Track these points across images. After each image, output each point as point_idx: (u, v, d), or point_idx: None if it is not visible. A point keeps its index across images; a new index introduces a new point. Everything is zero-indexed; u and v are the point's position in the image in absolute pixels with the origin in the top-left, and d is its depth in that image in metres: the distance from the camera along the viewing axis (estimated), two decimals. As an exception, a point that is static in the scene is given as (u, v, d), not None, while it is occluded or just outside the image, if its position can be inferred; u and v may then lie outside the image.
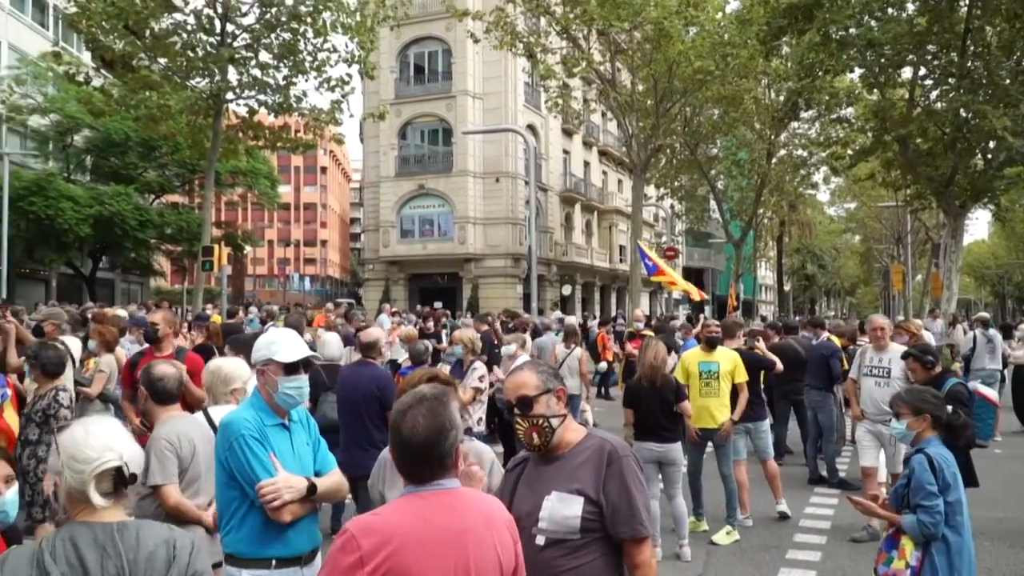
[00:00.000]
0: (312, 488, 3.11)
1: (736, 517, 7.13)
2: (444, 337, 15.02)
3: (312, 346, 9.01)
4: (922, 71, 20.86)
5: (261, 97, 21.40)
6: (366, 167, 42.75)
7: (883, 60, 19.93)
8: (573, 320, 16.87)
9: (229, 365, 4.39)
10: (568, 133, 43.98)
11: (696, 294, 16.96)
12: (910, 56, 19.90)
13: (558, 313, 23.94)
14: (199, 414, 4.20)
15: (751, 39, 21.64)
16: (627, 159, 30.00)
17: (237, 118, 22.85)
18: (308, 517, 3.15)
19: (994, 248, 71.20)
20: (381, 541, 1.96)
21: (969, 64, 18.99)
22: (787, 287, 59.09)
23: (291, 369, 3.17)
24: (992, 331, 14.06)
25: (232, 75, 21.03)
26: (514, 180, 38.87)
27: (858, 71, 21.42)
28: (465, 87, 38.09)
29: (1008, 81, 18.65)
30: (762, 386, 8.46)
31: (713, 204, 38.65)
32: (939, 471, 3.81)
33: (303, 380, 3.22)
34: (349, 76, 21.55)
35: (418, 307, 28.03)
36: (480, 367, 7.91)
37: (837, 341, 10.21)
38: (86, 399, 6.89)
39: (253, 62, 20.96)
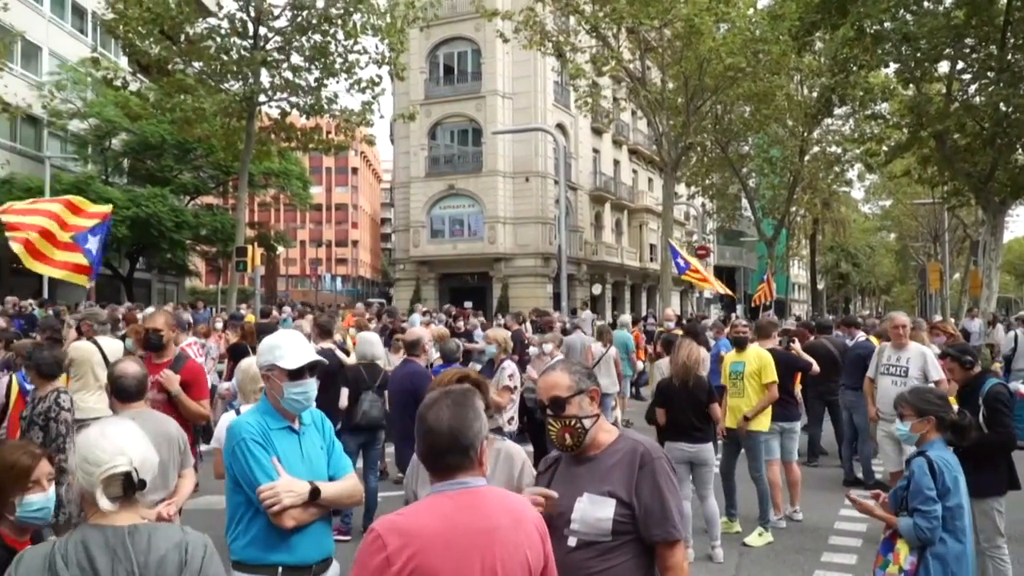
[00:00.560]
0: (315, 492, 3.00)
1: (769, 519, 7.06)
2: (477, 337, 15.04)
3: (343, 347, 9.10)
4: (960, 65, 20.44)
5: (293, 99, 21.62)
6: (396, 168, 43.01)
7: (919, 54, 19.56)
8: (586, 315, 16.81)
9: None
10: (598, 132, 43.84)
11: (724, 289, 16.63)
12: (947, 50, 19.51)
13: (589, 313, 23.90)
14: (159, 415, 4.51)
15: (783, 35, 21.38)
16: (657, 157, 29.81)
17: (270, 120, 23.11)
18: (318, 525, 3.05)
19: (1035, 245, 69.72)
20: (407, 540, 1.96)
21: (1009, 57, 18.57)
22: (820, 286, 58.32)
23: (296, 374, 3.10)
24: (1033, 330, 13.78)
25: (264, 78, 21.29)
26: (544, 179, 38.84)
27: (893, 66, 21.02)
28: (494, 87, 38.15)
29: (1050, 74, 18.24)
30: (798, 387, 8.36)
31: (745, 202, 38.28)
32: (939, 475, 3.73)
33: (308, 384, 3.15)
34: (379, 77, 21.73)
35: (446, 306, 28.16)
36: (510, 366, 7.92)
37: (875, 341, 10.05)
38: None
39: (285, 65, 21.18)
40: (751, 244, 55.21)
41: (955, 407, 4.19)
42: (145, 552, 2.05)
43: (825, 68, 24.03)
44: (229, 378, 11.06)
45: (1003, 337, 15.43)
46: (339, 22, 20.42)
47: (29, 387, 6.04)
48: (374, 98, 21.65)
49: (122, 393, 4.28)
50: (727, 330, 13.03)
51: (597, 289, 40.35)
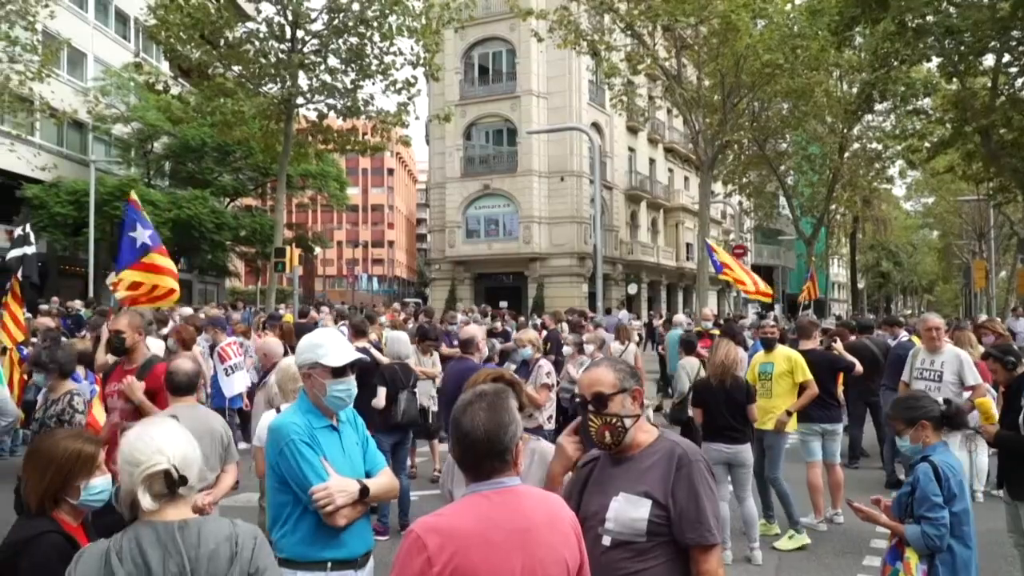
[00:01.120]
0: (364, 491, 3.08)
1: (798, 521, 6.90)
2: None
3: (378, 346, 9.17)
4: (1006, 58, 19.98)
5: (330, 101, 21.87)
6: (432, 168, 43.23)
7: (963, 48, 19.17)
8: (623, 315, 16.68)
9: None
10: (633, 131, 43.64)
11: (762, 294, 16.26)
12: (993, 43, 19.08)
13: (625, 312, 23.81)
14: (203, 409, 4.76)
15: (822, 30, 21.08)
16: (693, 156, 29.57)
17: (307, 122, 23.39)
18: (361, 520, 3.14)
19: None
20: (446, 541, 1.97)
21: (1057, 50, 18.15)
22: (861, 285, 57.40)
23: (339, 372, 3.13)
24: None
25: (302, 80, 21.55)
26: (579, 179, 38.76)
27: (936, 60, 20.66)
28: (529, 87, 38.16)
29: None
30: (840, 388, 8.21)
31: (783, 200, 37.80)
32: (945, 480, 3.65)
33: (351, 382, 3.19)
34: (415, 79, 21.87)
35: (481, 305, 28.22)
36: (546, 364, 7.91)
37: (916, 341, 9.85)
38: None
39: (322, 67, 21.43)
40: (789, 243, 54.55)
41: (997, 405, 4.10)
42: (195, 546, 2.10)
43: (865, 63, 23.64)
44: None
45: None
46: (375, 24, 20.61)
47: (77, 384, 6.19)
48: (410, 99, 21.82)
49: (176, 388, 4.62)
50: (752, 331, 12.91)
51: (633, 289, 40.15)
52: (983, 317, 19.16)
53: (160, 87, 24.25)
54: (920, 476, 3.70)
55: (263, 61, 21.33)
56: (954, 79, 20.27)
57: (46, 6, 19.35)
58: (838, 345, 8.93)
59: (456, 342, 13.14)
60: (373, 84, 22.11)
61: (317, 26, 21.30)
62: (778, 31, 21.93)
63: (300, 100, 21.65)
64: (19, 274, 9.68)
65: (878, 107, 27.87)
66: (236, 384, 9.13)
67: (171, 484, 2.12)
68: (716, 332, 11.64)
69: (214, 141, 29.29)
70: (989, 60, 20.46)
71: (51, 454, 2.59)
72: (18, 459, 9.64)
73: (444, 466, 3.61)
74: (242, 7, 24.72)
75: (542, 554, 2.05)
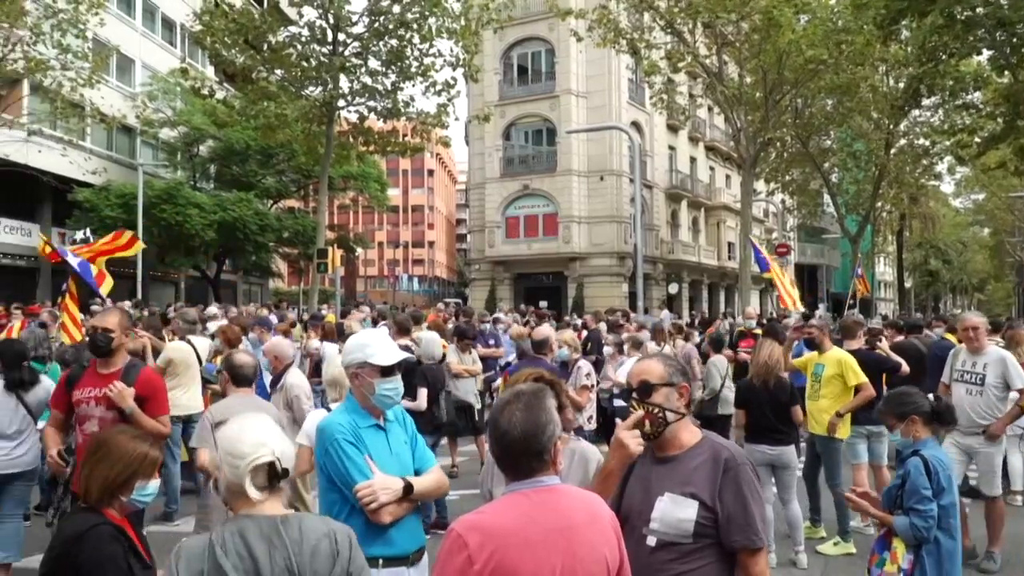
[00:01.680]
0: (409, 488, 3.10)
1: (848, 529, 6.74)
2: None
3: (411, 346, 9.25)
4: (1060, 50, 19.40)
5: (371, 103, 22.07)
6: (471, 169, 43.39)
7: (1015, 40, 18.63)
8: (665, 315, 16.53)
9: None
10: (673, 129, 43.30)
11: (793, 303, 15.83)
12: (1046, 35, 18.55)
13: (667, 312, 23.64)
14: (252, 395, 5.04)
15: (867, 24, 20.66)
16: (735, 154, 29.25)
17: (348, 124, 23.64)
18: (411, 516, 3.16)
19: None
20: (486, 539, 1.98)
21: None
22: (908, 284, 56.22)
23: (387, 371, 3.17)
24: None
25: (343, 83, 21.80)
26: (619, 178, 38.58)
27: (986, 53, 20.10)
28: (568, 86, 38.09)
29: None
30: (884, 388, 8.04)
31: (827, 198, 37.18)
32: (934, 474, 3.79)
33: (398, 380, 3.23)
34: (454, 80, 21.98)
35: (521, 306, 28.21)
36: (585, 365, 7.91)
37: (951, 338, 9.58)
38: (214, 394, 7.30)
39: (363, 70, 21.64)
40: (834, 241, 53.65)
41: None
42: (298, 541, 2.13)
43: (912, 57, 23.10)
44: (311, 376, 11.40)
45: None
46: (415, 26, 20.75)
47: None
48: (449, 100, 21.93)
49: (240, 380, 4.96)
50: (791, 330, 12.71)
51: (674, 288, 39.84)
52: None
53: (205, 91, 24.71)
54: (911, 469, 3.84)
55: (305, 64, 21.61)
56: (1006, 72, 19.70)
57: (96, 14, 19.84)
58: (883, 344, 8.76)
59: (492, 342, 13.24)
60: (413, 86, 22.32)
61: (358, 29, 21.54)
62: (822, 26, 21.56)
63: (341, 102, 21.89)
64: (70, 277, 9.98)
65: (926, 102, 27.20)
66: (279, 383, 9.25)
67: (273, 476, 2.17)
68: (759, 332, 11.50)
69: (258, 144, 29.74)
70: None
71: (122, 451, 2.67)
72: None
73: (484, 466, 3.63)
74: (285, 12, 25.10)
75: (582, 553, 2.05)
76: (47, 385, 5.68)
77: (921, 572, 3.73)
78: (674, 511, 2.49)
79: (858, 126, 29.63)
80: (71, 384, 4.64)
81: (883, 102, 26.91)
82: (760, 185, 35.83)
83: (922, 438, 3.95)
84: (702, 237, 47.70)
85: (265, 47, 21.86)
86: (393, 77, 21.69)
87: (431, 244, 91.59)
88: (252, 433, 2.20)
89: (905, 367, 8.04)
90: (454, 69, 22.07)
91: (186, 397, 7.52)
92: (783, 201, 44.89)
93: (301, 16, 22.42)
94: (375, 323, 14.08)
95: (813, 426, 6.89)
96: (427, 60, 21.30)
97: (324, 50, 21.50)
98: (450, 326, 13.07)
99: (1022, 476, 7.92)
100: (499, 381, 9.78)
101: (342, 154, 25.38)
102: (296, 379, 6.05)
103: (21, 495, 5.60)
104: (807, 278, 55.81)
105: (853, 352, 7.36)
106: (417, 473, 3.24)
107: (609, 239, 38.46)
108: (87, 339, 5.04)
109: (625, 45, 25.06)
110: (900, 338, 10.21)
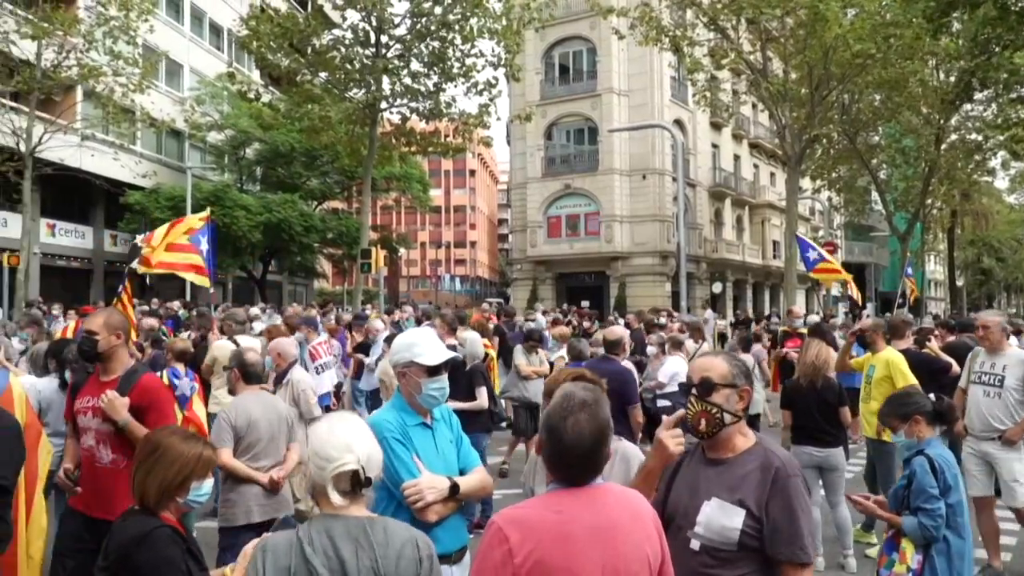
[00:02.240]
0: (455, 488, 3.12)
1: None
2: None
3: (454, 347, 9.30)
4: (1120, 41, 18.78)
5: (413, 104, 22.23)
6: (513, 168, 43.45)
7: (1072, 31, 18.10)
8: (708, 315, 16.31)
9: None
10: (717, 127, 42.87)
11: (855, 292, 15.45)
12: (1105, 25, 17.97)
13: (710, 312, 23.40)
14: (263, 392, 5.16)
15: (916, 17, 20.23)
16: (780, 151, 28.79)
17: (391, 126, 23.84)
18: (455, 516, 3.18)
19: None
20: (528, 533, 1.99)
21: None
22: (960, 282, 54.84)
23: (434, 370, 3.19)
24: None
25: (386, 85, 21.98)
26: (661, 177, 38.31)
27: (1042, 44, 19.56)
28: (610, 85, 37.94)
29: None
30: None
31: (875, 195, 36.45)
32: (940, 473, 3.77)
33: (445, 380, 3.25)
34: (496, 80, 22.02)
35: (565, 305, 28.18)
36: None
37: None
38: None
39: (405, 71, 21.81)
40: (882, 239, 52.54)
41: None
42: (384, 544, 2.15)
43: (964, 50, 22.55)
44: (356, 376, 11.53)
45: None
46: (456, 27, 20.85)
47: (177, 382, 6.51)
48: (491, 100, 21.99)
49: (251, 377, 5.08)
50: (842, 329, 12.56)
51: (717, 287, 39.42)
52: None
53: (251, 95, 25.12)
54: (916, 469, 3.83)
55: (349, 67, 21.85)
56: (1063, 64, 19.14)
57: (146, 21, 20.31)
58: (933, 344, 8.55)
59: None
60: (455, 86, 22.41)
61: (400, 31, 21.72)
62: (869, 20, 21.13)
63: (384, 104, 22.08)
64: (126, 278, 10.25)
65: (978, 96, 26.53)
66: (325, 383, 9.38)
67: (356, 484, 2.18)
68: (805, 331, 11.33)
69: (302, 146, 30.16)
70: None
71: (177, 453, 2.69)
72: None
73: (527, 464, 3.64)
74: (328, 15, 25.38)
75: (624, 550, 2.05)
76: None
77: (932, 572, 3.70)
78: (720, 517, 2.45)
79: (907, 121, 28.96)
80: (75, 392, 4.23)
81: (933, 96, 26.27)
82: (806, 182, 35.26)
83: (926, 437, 3.92)
84: (746, 236, 47.14)
85: (309, 50, 22.15)
86: (435, 78, 21.83)
87: (473, 244, 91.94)
88: (340, 437, 2.20)
89: (956, 367, 7.74)
90: (495, 69, 22.13)
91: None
92: (830, 199, 44.09)
93: (344, 19, 22.67)
94: (419, 323, 14.21)
95: (865, 429, 6.77)
96: (469, 61, 21.40)
97: (367, 52, 21.71)
98: (490, 326, 13.12)
99: None
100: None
101: (385, 155, 25.61)
102: (301, 375, 6.27)
103: None
104: (855, 277, 54.76)
105: (901, 352, 7.20)
106: (462, 472, 3.26)
107: (652, 238, 38.21)
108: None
109: (667, 43, 24.86)
110: (952, 338, 9.96)
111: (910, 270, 22.04)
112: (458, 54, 21.34)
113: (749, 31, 25.12)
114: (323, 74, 22.68)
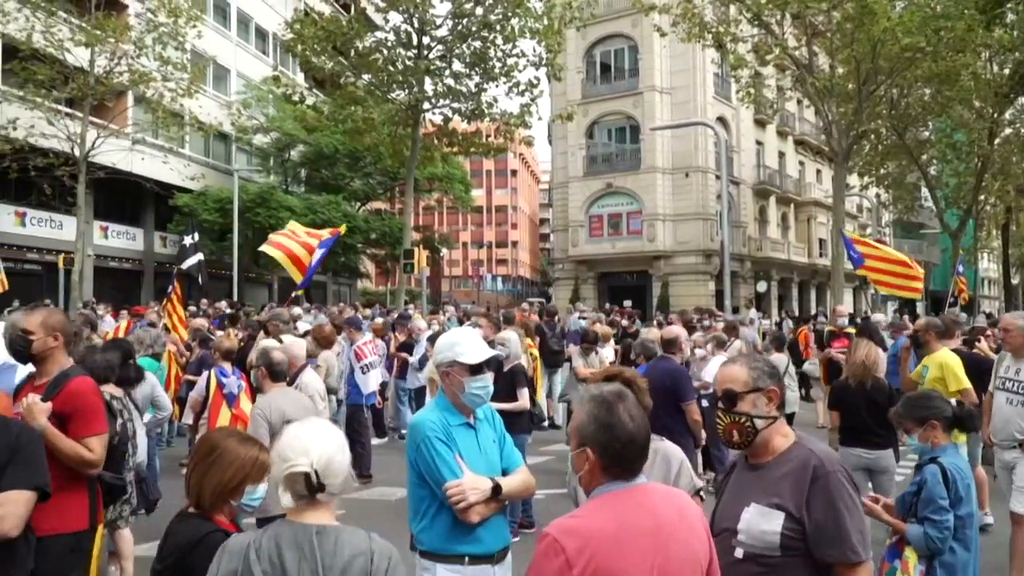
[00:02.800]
0: (497, 488, 3.12)
1: None
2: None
3: (491, 345, 9.32)
4: None
5: (455, 105, 22.38)
6: (554, 168, 43.40)
7: None
8: (753, 314, 16.05)
9: None
10: (761, 123, 42.30)
11: (911, 292, 14.95)
12: None
13: (754, 311, 23.10)
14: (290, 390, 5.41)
15: (968, 9, 19.71)
16: (826, 147, 28.30)
17: (433, 126, 24.01)
18: (498, 516, 3.18)
19: None
20: (582, 543, 1.97)
21: None
22: (1015, 280, 53.27)
23: (476, 369, 3.20)
24: None
25: (428, 86, 22.15)
26: (704, 174, 37.94)
27: (1102, 35, 18.92)
28: (652, 83, 37.68)
29: None
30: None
31: (925, 192, 35.64)
32: (952, 484, 3.63)
33: (488, 379, 3.25)
34: (537, 79, 22.05)
35: (607, 305, 28.05)
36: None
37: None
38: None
39: (447, 72, 21.95)
40: (933, 237, 51.36)
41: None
42: (331, 554, 2.09)
43: (1019, 42, 21.92)
44: (400, 375, 11.64)
45: None
46: (498, 28, 20.92)
47: (225, 380, 6.64)
48: (532, 100, 22.03)
49: (276, 375, 5.27)
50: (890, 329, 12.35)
51: (762, 286, 38.89)
52: None
53: (296, 98, 25.54)
54: (928, 477, 3.68)
55: (391, 69, 22.06)
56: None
57: (194, 27, 20.73)
58: (983, 344, 8.34)
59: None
60: (496, 87, 22.55)
61: (442, 32, 21.89)
62: (919, 12, 20.64)
63: (426, 105, 22.26)
64: (176, 278, 10.54)
65: (1033, 88, 25.77)
66: (371, 382, 9.48)
67: (310, 488, 2.12)
68: (852, 331, 11.13)
69: (346, 148, 30.50)
70: None
71: (234, 456, 2.67)
72: (175, 449, 10.39)
73: (570, 464, 3.63)
74: (371, 18, 25.66)
75: (675, 550, 2.04)
76: (152, 381, 6.13)
77: None
78: (759, 522, 2.40)
79: (959, 116, 28.23)
80: (16, 395, 3.88)
81: (986, 90, 25.58)
82: (853, 179, 34.63)
83: (941, 444, 3.77)
84: (791, 234, 46.43)
85: (352, 53, 22.41)
86: (477, 78, 21.94)
87: (515, 244, 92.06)
88: (302, 439, 2.16)
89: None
90: (537, 69, 22.18)
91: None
92: (878, 196, 43.19)
93: (387, 21, 22.90)
94: (461, 322, 14.29)
95: None
96: (510, 61, 21.48)
97: (409, 54, 21.91)
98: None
99: None
100: None
101: (427, 156, 25.81)
102: (311, 378, 6.32)
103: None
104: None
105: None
106: (504, 473, 3.26)
107: (695, 237, 37.86)
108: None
109: (710, 39, 24.60)
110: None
111: (961, 268, 21.47)
112: (499, 54, 21.42)
113: (794, 26, 24.73)
114: (366, 76, 22.93)
